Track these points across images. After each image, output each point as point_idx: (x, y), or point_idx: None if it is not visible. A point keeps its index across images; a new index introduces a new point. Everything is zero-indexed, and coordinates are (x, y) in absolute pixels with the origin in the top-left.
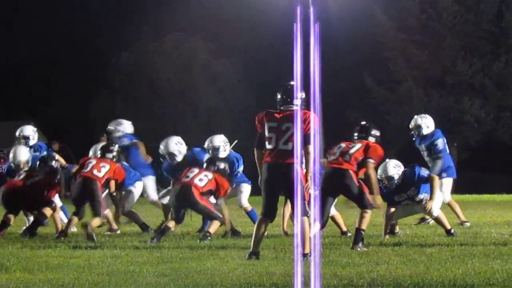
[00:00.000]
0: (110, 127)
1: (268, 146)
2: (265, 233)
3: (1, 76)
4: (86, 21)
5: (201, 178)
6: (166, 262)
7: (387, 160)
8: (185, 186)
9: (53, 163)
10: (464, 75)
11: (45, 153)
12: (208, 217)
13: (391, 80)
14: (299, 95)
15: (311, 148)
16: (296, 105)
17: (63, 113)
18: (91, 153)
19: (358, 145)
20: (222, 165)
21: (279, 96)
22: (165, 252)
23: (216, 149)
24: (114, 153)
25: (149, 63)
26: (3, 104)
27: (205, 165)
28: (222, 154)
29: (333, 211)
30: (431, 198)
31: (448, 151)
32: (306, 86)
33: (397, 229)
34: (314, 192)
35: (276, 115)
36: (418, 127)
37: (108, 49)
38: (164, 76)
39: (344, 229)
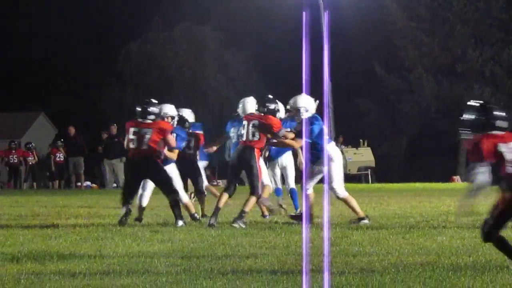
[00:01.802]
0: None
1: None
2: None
3: (13, 68)
4: (96, 11)
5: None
6: (177, 251)
7: None
8: (248, 147)
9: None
10: (475, 63)
11: None
12: (252, 186)
13: (401, 68)
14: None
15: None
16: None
17: (73, 103)
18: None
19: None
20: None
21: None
22: (176, 241)
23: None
24: None
25: (159, 53)
26: (15, 95)
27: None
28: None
29: (344, 195)
30: None
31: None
32: (317, 75)
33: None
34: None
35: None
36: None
37: (118, 39)
38: (174, 66)
39: (362, 214)
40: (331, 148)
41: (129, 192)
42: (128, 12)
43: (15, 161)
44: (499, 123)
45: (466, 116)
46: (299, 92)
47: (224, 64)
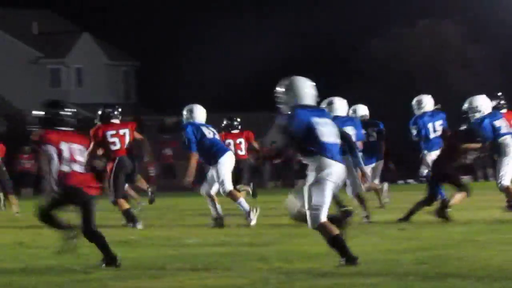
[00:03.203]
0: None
1: None
2: None
3: (252, 70)
4: (337, 9)
5: None
6: (424, 248)
7: None
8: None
9: None
10: None
11: None
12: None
13: None
14: None
15: None
16: None
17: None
18: None
19: None
20: None
21: None
22: (422, 239)
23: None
24: None
25: (401, 49)
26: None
27: None
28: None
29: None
30: None
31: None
32: None
33: None
34: None
35: None
36: None
37: (359, 36)
38: (415, 62)
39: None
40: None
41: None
42: (369, 9)
43: None
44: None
45: None
46: None
47: (467, 60)
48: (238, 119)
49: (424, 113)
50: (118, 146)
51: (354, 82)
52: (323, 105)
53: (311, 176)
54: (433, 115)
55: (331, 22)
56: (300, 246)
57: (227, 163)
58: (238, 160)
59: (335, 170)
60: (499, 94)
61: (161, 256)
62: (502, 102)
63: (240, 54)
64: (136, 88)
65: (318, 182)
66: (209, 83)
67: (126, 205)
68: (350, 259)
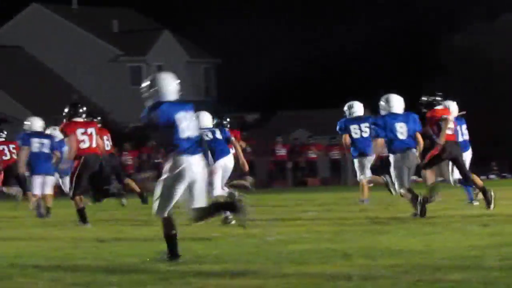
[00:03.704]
0: None
1: None
2: None
3: (330, 64)
4: (418, 3)
5: None
6: (508, 245)
7: None
8: None
9: None
10: None
11: None
12: None
13: None
14: None
15: None
16: None
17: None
18: None
19: None
20: None
21: None
22: (506, 234)
23: None
24: None
25: (483, 45)
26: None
27: None
28: None
29: None
30: None
31: None
32: None
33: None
34: None
35: None
36: None
37: (441, 31)
38: (497, 57)
39: None
40: None
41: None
42: (450, 3)
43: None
44: None
45: None
46: None
47: None
48: (228, 119)
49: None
50: (87, 145)
51: (434, 76)
52: (382, 101)
53: (166, 170)
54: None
55: (412, 16)
56: (382, 243)
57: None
58: None
59: (189, 166)
60: None
61: (243, 253)
62: None
63: (317, 50)
64: (216, 85)
65: (172, 177)
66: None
67: (81, 204)
68: (174, 256)
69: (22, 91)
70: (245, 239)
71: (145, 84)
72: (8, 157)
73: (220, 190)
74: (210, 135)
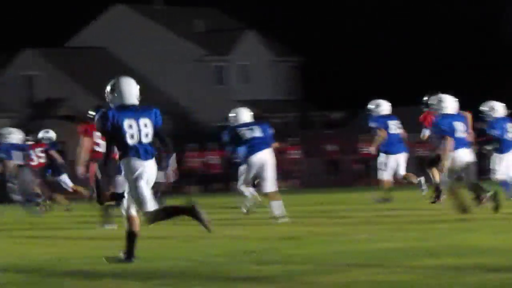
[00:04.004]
0: None
1: None
2: None
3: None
4: None
5: None
6: None
7: None
8: None
9: None
10: None
11: None
12: None
13: None
14: None
15: None
16: None
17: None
18: None
19: None
20: None
21: None
22: None
23: None
24: None
25: None
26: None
27: None
28: None
29: None
30: None
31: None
32: None
33: None
34: None
35: None
36: None
37: None
38: None
39: None
40: None
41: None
42: None
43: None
44: None
45: None
46: None
47: None
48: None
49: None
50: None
51: None
52: (433, 101)
53: (124, 176)
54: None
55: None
56: (470, 241)
57: None
58: None
59: (144, 169)
60: None
61: (329, 252)
62: None
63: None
64: (301, 84)
65: (131, 181)
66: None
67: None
68: (129, 257)
69: (105, 92)
70: (331, 238)
71: (107, 88)
72: (35, 162)
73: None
74: (248, 131)
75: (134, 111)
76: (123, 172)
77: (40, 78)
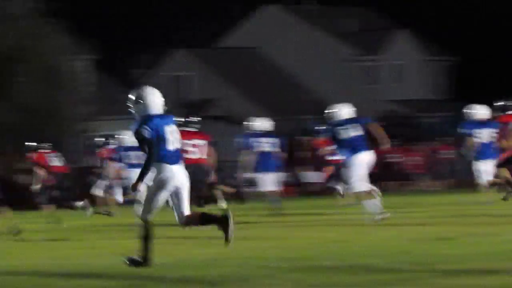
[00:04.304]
0: None
1: None
2: None
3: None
4: None
5: None
6: None
7: None
8: None
9: None
10: None
11: None
12: None
13: None
14: None
15: None
16: None
17: None
18: None
19: None
20: None
21: None
22: None
23: None
24: None
25: None
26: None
27: None
28: None
29: None
30: None
31: None
32: None
33: None
34: None
35: None
36: None
37: None
38: None
39: None
40: None
41: None
42: None
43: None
44: None
45: None
46: None
47: None
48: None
49: None
50: (194, 155)
51: None
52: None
53: (154, 180)
54: None
55: None
56: None
57: None
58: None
59: (174, 175)
60: None
61: (485, 253)
62: None
63: None
64: (456, 83)
65: (157, 186)
66: None
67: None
68: (143, 262)
69: (255, 92)
70: (482, 239)
71: (132, 98)
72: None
73: (360, 185)
74: (346, 131)
75: (168, 120)
76: (153, 176)
77: (192, 78)
